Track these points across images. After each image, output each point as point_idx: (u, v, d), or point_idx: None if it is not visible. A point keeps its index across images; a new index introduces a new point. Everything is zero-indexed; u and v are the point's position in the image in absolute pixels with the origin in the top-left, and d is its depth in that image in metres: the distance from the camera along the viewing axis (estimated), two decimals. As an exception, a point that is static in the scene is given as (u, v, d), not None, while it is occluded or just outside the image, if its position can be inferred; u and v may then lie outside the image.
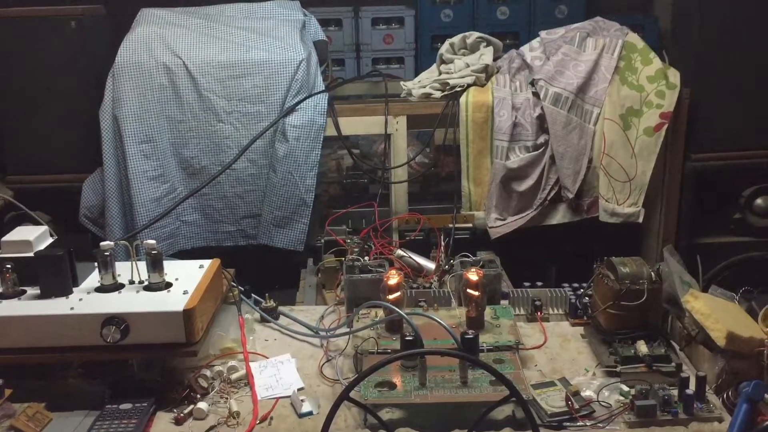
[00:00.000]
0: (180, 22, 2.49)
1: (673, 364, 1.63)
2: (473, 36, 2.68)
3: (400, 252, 2.17)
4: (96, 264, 1.72)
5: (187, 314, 1.56)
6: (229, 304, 1.90)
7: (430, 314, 1.71)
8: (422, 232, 2.41)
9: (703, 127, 2.50)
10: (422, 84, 2.64)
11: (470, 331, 1.61)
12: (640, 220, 2.44)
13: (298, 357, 1.78)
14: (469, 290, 1.75)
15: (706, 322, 1.64)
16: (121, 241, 1.93)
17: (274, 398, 1.62)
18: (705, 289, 1.88)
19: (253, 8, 2.61)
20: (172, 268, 1.76)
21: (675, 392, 1.54)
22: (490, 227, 2.49)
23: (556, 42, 2.54)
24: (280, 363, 1.74)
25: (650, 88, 2.42)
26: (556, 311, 1.97)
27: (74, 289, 1.68)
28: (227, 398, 1.62)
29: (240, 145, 2.40)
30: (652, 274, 1.71)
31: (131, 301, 1.63)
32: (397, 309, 1.67)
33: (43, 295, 1.65)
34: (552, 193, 2.46)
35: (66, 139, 2.51)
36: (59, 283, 1.66)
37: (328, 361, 1.76)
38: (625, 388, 1.59)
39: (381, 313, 1.78)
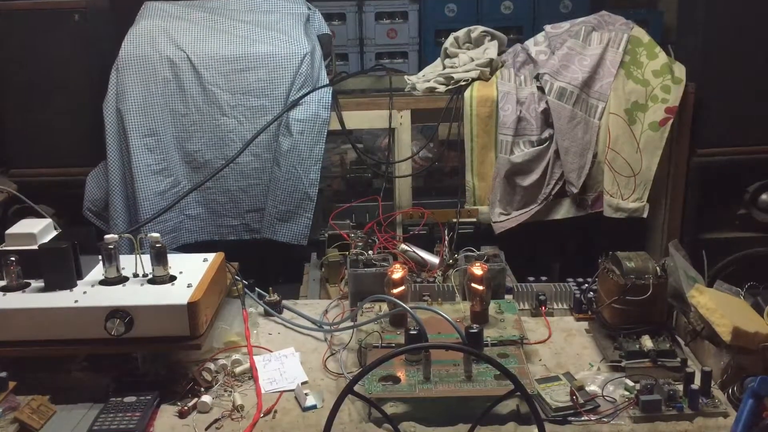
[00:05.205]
0: (184, 16, 2.49)
1: (678, 359, 1.63)
2: (478, 30, 2.67)
3: (404, 246, 2.16)
4: (100, 257, 1.72)
5: (192, 307, 1.56)
6: (233, 298, 1.90)
7: (434, 308, 1.70)
8: (426, 226, 2.40)
9: (708, 122, 2.49)
10: (426, 78, 2.63)
11: (474, 326, 1.61)
12: (645, 215, 2.44)
13: (302, 351, 1.77)
14: (473, 285, 1.74)
15: (711, 317, 1.63)
16: (125, 235, 1.92)
17: (278, 392, 1.61)
18: (710, 285, 1.87)
19: (257, 1, 2.60)
20: (176, 262, 1.76)
21: (680, 387, 1.54)
22: (494, 222, 2.49)
23: (561, 36, 2.53)
24: (284, 357, 1.73)
25: (656, 83, 2.41)
26: (560, 306, 1.96)
27: (78, 282, 1.68)
28: (231, 392, 1.61)
29: (244, 139, 2.39)
30: (658, 269, 1.71)
31: (135, 294, 1.63)
32: (401, 303, 1.66)
33: (48, 288, 1.65)
34: (556, 188, 2.45)
35: (70, 132, 2.50)
36: (63, 276, 1.66)
37: (332, 355, 1.76)
38: (630, 383, 1.58)
39: (385, 307, 1.78)
